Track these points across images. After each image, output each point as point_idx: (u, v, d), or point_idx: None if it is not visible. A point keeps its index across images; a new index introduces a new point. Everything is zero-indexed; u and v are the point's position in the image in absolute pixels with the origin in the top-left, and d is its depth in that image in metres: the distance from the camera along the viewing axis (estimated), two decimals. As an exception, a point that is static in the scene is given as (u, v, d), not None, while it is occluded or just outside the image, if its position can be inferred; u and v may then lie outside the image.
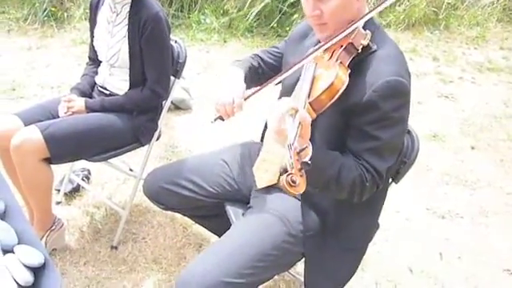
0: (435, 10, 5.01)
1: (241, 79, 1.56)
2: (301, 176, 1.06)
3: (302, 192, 1.06)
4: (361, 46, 1.31)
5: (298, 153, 1.08)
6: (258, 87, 1.51)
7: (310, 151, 1.17)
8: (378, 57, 1.33)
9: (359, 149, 1.33)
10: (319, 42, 1.46)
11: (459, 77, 4.20)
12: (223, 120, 1.52)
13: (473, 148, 3.22)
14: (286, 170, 1.07)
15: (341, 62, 1.28)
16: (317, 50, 1.36)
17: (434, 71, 4.24)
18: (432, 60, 4.46)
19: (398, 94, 1.31)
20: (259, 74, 1.70)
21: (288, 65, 1.58)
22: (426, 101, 3.72)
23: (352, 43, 1.31)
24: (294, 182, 1.05)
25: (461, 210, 2.64)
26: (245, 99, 1.49)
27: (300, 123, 1.14)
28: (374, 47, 1.34)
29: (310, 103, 1.24)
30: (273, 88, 1.71)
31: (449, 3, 5.03)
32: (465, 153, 3.16)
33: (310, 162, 1.08)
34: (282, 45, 1.71)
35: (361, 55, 1.32)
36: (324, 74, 1.28)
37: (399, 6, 4.94)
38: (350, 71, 1.28)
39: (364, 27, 1.35)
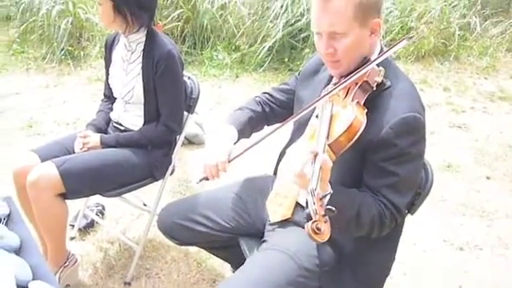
0: (444, 41, 5.06)
1: (228, 140, 1.55)
2: (325, 222, 1.05)
3: (327, 239, 1.05)
4: (375, 83, 1.32)
5: (321, 199, 1.07)
6: (246, 147, 1.50)
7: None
8: (393, 93, 1.34)
9: (377, 185, 1.33)
10: (331, 76, 1.48)
11: (471, 106, 4.20)
12: (208, 180, 1.54)
13: (488, 178, 3.18)
14: (309, 217, 1.06)
15: (357, 102, 1.28)
16: (333, 89, 1.35)
17: (445, 102, 4.25)
18: (443, 90, 4.47)
19: (415, 130, 1.32)
20: (267, 116, 1.71)
21: (299, 100, 1.60)
22: (439, 131, 3.71)
23: (367, 81, 1.31)
24: (319, 229, 1.04)
25: (479, 241, 2.59)
26: (229, 161, 1.50)
27: (321, 167, 1.13)
28: (388, 83, 1.34)
29: (329, 145, 1.22)
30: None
31: (458, 34, 5.08)
32: (480, 183, 3.12)
33: (334, 209, 1.06)
34: (293, 81, 1.73)
35: (375, 92, 1.33)
36: (341, 114, 1.27)
37: (409, 38, 5.00)
38: (366, 110, 1.28)
39: (377, 64, 1.36)
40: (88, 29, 4.62)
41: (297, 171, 1.18)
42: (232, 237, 1.69)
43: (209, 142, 1.59)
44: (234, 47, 4.70)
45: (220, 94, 4.13)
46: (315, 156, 1.15)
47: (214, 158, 1.50)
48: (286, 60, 4.59)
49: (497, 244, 2.58)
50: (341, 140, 1.23)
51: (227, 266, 2.15)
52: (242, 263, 1.48)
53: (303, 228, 1.07)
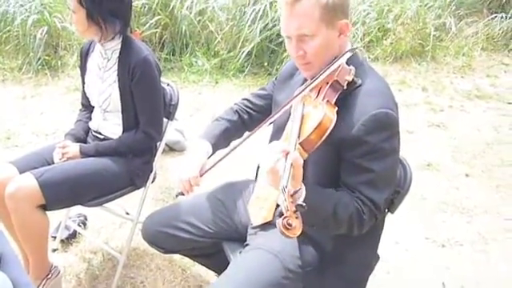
0: (421, 42, 5.14)
1: (201, 154, 1.60)
2: (296, 218, 1.07)
3: (298, 234, 1.07)
4: (346, 82, 1.34)
5: (292, 195, 1.10)
6: (217, 160, 1.54)
7: (303, 192, 1.18)
8: (364, 91, 1.36)
9: (354, 182, 1.35)
10: (305, 80, 1.50)
11: (449, 105, 4.27)
12: (183, 195, 1.59)
13: (467, 175, 3.24)
14: (281, 213, 1.08)
15: (327, 101, 1.31)
16: (303, 90, 1.39)
17: (423, 101, 4.31)
18: (421, 90, 4.53)
19: (387, 126, 1.34)
20: (245, 123, 1.74)
21: (276, 104, 1.62)
22: (418, 130, 3.76)
23: (337, 80, 1.33)
24: (290, 224, 1.06)
25: (460, 237, 2.63)
26: (201, 175, 1.55)
27: (292, 165, 1.15)
28: (359, 82, 1.37)
29: (300, 143, 1.25)
30: (265, 128, 1.74)
31: (434, 35, 5.16)
32: (459, 180, 3.17)
33: (304, 204, 1.08)
34: (270, 86, 1.75)
35: (346, 91, 1.35)
36: (312, 114, 1.30)
37: (386, 39, 5.07)
38: (337, 108, 1.30)
39: (347, 63, 1.38)
40: (65, 38, 4.56)
41: (268, 167, 1.21)
42: (216, 242, 1.70)
43: (184, 158, 1.63)
44: (213, 53, 4.70)
45: (200, 100, 4.13)
46: (286, 154, 1.18)
47: (187, 173, 1.55)
48: (266, 64, 4.61)
49: (477, 240, 2.63)
50: (311, 138, 1.25)
51: (212, 272, 2.14)
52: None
53: None
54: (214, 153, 1.64)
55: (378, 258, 1.61)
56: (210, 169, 1.56)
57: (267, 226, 1.57)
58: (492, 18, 5.61)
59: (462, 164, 3.36)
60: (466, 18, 5.71)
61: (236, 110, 1.76)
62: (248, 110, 1.76)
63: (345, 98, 1.34)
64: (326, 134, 1.26)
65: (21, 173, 1.88)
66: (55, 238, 2.39)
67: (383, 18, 5.13)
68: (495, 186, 3.12)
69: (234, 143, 1.72)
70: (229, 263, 1.57)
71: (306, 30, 1.34)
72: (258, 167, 1.71)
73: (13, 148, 3.27)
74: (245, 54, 4.52)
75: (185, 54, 4.68)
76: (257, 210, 1.61)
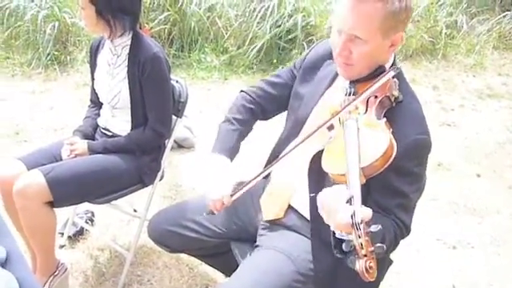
0: (432, 40, 5.08)
1: (228, 172, 1.50)
2: (373, 259, 1.01)
3: (374, 279, 1.01)
4: (394, 98, 1.28)
5: (368, 233, 1.02)
6: (250, 184, 1.43)
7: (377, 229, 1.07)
8: (404, 109, 1.30)
9: (389, 205, 1.32)
10: (336, 74, 1.44)
11: (460, 104, 4.21)
12: (214, 214, 1.50)
13: (479, 175, 3.19)
14: (353, 249, 1.02)
15: (386, 121, 1.24)
16: (351, 102, 1.28)
17: (434, 100, 4.26)
18: (432, 89, 4.48)
19: (424, 152, 1.32)
20: (256, 116, 1.65)
21: (299, 97, 1.53)
22: (429, 130, 3.71)
23: (388, 96, 1.27)
24: (371, 267, 1.00)
25: (471, 239, 2.59)
26: (232, 196, 1.46)
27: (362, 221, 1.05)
28: (401, 97, 1.30)
29: (362, 169, 1.15)
30: (279, 118, 1.69)
31: (445, 33, 5.10)
32: (471, 181, 3.13)
33: (385, 247, 1.02)
34: (287, 73, 1.62)
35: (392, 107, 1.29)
36: (372, 136, 1.20)
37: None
38: (392, 130, 1.23)
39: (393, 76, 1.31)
40: (74, 33, 4.56)
41: (343, 222, 1.07)
42: (224, 242, 1.67)
43: (206, 174, 1.52)
44: (222, 49, 4.68)
45: (209, 97, 4.11)
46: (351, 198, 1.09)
47: (219, 192, 1.46)
48: (275, 61, 4.58)
49: (489, 242, 2.59)
50: (375, 165, 1.16)
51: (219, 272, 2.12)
52: (234, 270, 1.46)
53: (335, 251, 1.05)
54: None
55: (390, 262, 1.58)
56: (243, 191, 1.45)
57: (277, 226, 1.55)
58: (504, 16, 5.52)
59: (474, 164, 3.31)
60: (477, 15, 5.63)
61: (248, 107, 1.64)
62: (259, 100, 1.64)
63: (389, 115, 1.28)
64: (390, 161, 1.17)
65: (29, 169, 1.88)
66: (62, 234, 2.39)
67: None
68: (507, 187, 3.08)
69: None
70: (236, 263, 1.55)
71: (360, 33, 1.26)
72: (268, 162, 1.66)
73: (21, 143, 3.27)
74: (254, 50, 4.50)
75: (194, 50, 4.66)
76: (269, 205, 1.57)
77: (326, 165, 1.24)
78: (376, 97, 1.27)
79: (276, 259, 1.43)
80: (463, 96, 4.38)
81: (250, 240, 1.63)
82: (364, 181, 1.16)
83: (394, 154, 1.18)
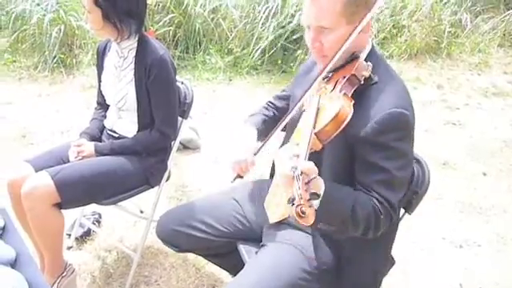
0: (436, 38, 5.07)
1: (251, 137, 1.58)
2: (309, 207, 1.06)
3: (311, 223, 1.06)
4: (363, 78, 1.32)
5: (307, 183, 1.09)
6: (265, 138, 1.54)
7: (322, 184, 1.18)
8: (379, 89, 1.34)
9: (369, 181, 1.33)
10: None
11: (465, 103, 4.21)
12: (242, 177, 1.57)
13: (484, 174, 3.19)
14: (293, 200, 1.08)
15: (345, 93, 1.30)
16: (316, 78, 1.37)
17: (439, 99, 4.26)
18: (437, 88, 4.48)
19: (400, 126, 1.32)
20: (276, 121, 1.69)
21: (294, 99, 1.60)
22: (434, 129, 3.71)
23: (354, 74, 1.32)
24: (303, 212, 1.05)
25: (478, 238, 2.59)
26: (255, 154, 1.53)
27: (302, 172, 1.13)
28: (376, 79, 1.34)
29: (315, 134, 1.24)
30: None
31: (449, 32, 5.09)
32: (477, 179, 3.13)
33: (319, 193, 1.08)
34: (290, 85, 1.74)
35: (362, 86, 1.33)
36: (328, 105, 1.29)
37: (400, 36, 5.01)
38: (353, 102, 1.29)
39: (366, 59, 1.37)
40: (80, 36, 4.59)
41: (282, 174, 1.20)
42: (230, 242, 1.69)
43: (232, 140, 1.60)
44: (226, 50, 4.70)
45: (214, 98, 4.12)
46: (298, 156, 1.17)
47: (243, 153, 1.52)
48: (280, 62, 4.59)
49: (495, 240, 2.58)
50: (327, 129, 1.24)
51: (226, 271, 2.13)
52: (241, 270, 1.47)
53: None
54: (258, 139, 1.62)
55: (392, 262, 1.59)
56: (262, 146, 1.53)
57: (282, 225, 1.56)
58: (509, 14, 5.51)
59: (479, 163, 3.31)
60: (482, 14, 5.62)
61: (267, 108, 1.76)
62: (274, 111, 1.75)
63: (360, 93, 1.32)
64: (342, 126, 1.24)
65: (36, 171, 1.89)
66: (70, 235, 2.41)
67: (398, 14, 5.07)
68: (513, 186, 3.07)
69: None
70: (243, 263, 1.56)
71: (324, 23, 1.32)
72: (273, 166, 1.70)
73: (28, 146, 3.30)
74: (259, 51, 4.51)
75: (198, 51, 4.68)
76: (273, 207, 1.60)
77: (294, 140, 1.31)
78: (344, 76, 1.33)
79: (283, 252, 1.45)
80: (468, 95, 4.37)
81: (256, 240, 1.64)
82: (321, 146, 1.26)
83: (348, 119, 1.24)
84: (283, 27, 4.53)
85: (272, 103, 1.77)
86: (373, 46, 1.43)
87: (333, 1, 1.30)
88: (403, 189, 1.38)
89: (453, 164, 3.26)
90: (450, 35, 5.14)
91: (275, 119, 1.72)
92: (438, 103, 4.18)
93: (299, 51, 4.55)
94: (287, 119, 1.46)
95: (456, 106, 4.13)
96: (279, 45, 4.58)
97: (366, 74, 1.33)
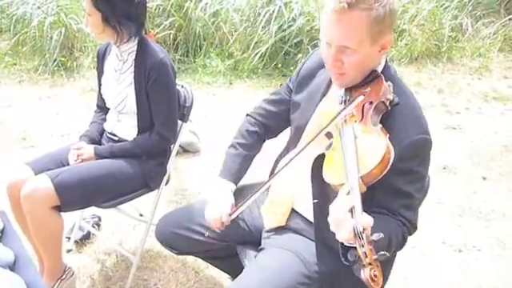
0: (437, 43, 5.08)
1: (228, 193, 1.60)
2: (377, 267, 1.02)
3: (381, 285, 1.02)
4: (388, 102, 1.29)
5: (370, 242, 1.03)
6: (246, 203, 1.49)
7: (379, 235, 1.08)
8: (401, 111, 1.30)
9: (396, 206, 1.33)
10: (330, 81, 1.47)
11: (465, 107, 4.21)
12: (216, 232, 1.59)
13: (484, 178, 3.18)
14: (357, 258, 1.03)
15: (382, 127, 1.24)
16: (344, 109, 1.30)
17: (439, 103, 4.26)
18: (437, 92, 4.48)
19: (425, 151, 1.33)
20: (262, 137, 1.72)
21: (296, 106, 1.57)
22: (434, 133, 3.62)
23: (383, 101, 1.28)
24: (376, 276, 1.01)
25: (477, 242, 2.58)
26: (230, 215, 1.53)
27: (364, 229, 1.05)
28: (396, 100, 1.30)
29: (361, 177, 1.15)
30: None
31: (450, 36, 5.10)
32: (476, 184, 3.12)
33: (388, 254, 1.03)
34: (284, 89, 1.67)
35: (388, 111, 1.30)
36: (369, 143, 1.20)
37: (401, 40, 5.02)
38: (388, 135, 1.23)
39: (382, 72, 1.34)
40: (80, 39, 4.60)
41: (346, 230, 1.08)
42: (230, 245, 1.69)
43: (210, 197, 1.63)
44: (227, 54, 4.70)
45: (214, 102, 4.13)
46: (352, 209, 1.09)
47: (218, 212, 1.54)
48: (280, 66, 4.59)
49: (495, 245, 2.58)
50: (374, 172, 1.16)
51: (225, 275, 2.13)
52: (241, 273, 1.47)
53: (352, 266, 1.05)
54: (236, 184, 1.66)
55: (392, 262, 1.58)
56: (239, 210, 1.52)
57: (281, 230, 1.56)
58: (509, 19, 5.52)
59: (479, 167, 3.31)
60: (482, 18, 5.63)
61: (251, 131, 1.70)
62: (263, 120, 1.70)
63: (385, 118, 1.29)
64: (389, 167, 1.17)
65: (36, 174, 1.90)
66: (69, 238, 2.40)
67: (398, 18, 5.08)
68: (513, 190, 3.06)
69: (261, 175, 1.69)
70: (243, 266, 1.56)
71: (349, 43, 1.28)
72: (273, 170, 1.69)
73: (28, 148, 3.30)
74: (259, 55, 4.52)
75: (199, 55, 4.69)
76: (271, 214, 1.60)
77: (327, 175, 1.24)
78: (371, 103, 1.27)
79: (283, 257, 1.45)
80: (468, 99, 4.37)
81: (255, 243, 1.64)
82: (365, 189, 1.16)
83: (392, 159, 1.18)
84: (284, 31, 4.54)
85: (263, 109, 1.70)
86: (386, 61, 1.42)
87: (359, 22, 1.25)
88: (419, 207, 1.41)
89: (453, 168, 3.26)
90: (451, 39, 5.15)
91: (261, 137, 1.70)
92: (438, 107, 4.18)
93: (300, 55, 4.55)
94: (288, 164, 1.40)
95: (456, 111, 4.13)
96: (280, 49, 4.59)
97: (391, 97, 1.29)
